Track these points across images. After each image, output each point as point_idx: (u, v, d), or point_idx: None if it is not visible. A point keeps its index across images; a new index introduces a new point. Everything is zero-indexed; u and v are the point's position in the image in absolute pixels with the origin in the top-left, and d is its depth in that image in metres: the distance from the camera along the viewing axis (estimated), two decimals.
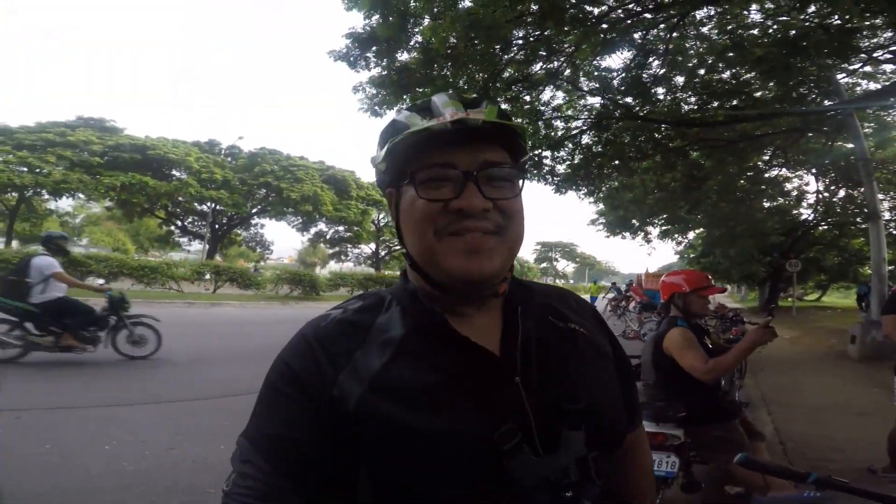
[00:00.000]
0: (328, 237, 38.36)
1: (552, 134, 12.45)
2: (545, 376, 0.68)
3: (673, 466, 2.36)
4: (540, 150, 13.03)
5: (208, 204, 30.37)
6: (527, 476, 0.61)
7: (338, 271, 34.13)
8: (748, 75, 9.59)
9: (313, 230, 36.93)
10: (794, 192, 21.59)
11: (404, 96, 9.63)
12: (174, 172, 29.43)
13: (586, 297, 22.95)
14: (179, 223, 33.31)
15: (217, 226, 32.70)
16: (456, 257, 0.66)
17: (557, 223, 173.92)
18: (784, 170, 18.37)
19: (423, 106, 0.72)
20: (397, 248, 40.25)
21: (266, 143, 52.46)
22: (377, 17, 8.03)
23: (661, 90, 10.47)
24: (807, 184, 21.44)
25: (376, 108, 9.95)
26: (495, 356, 0.67)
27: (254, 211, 33.35)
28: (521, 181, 0.71)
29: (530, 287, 0.80)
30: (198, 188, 28.26)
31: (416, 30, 8.30)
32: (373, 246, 39.48)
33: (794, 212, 22.18)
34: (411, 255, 0.72)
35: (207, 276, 22.26)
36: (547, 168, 13.79)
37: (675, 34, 8.81)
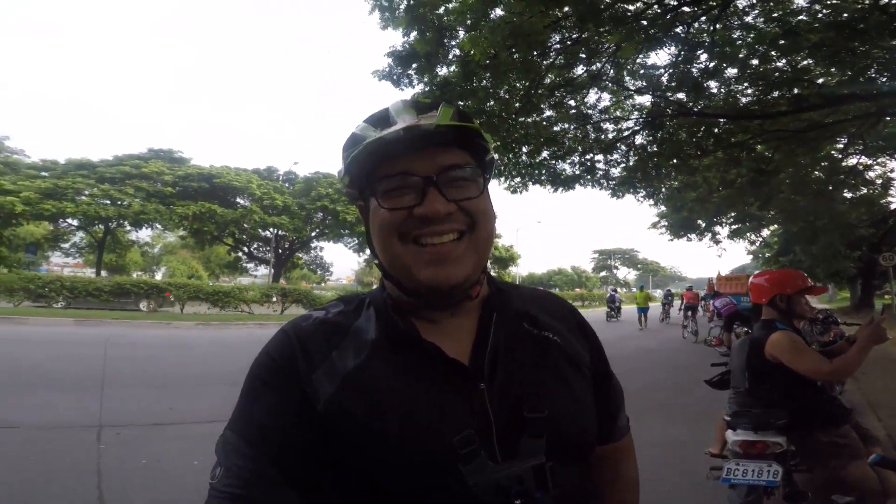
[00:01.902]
0: None
1: (602, 137, 12.11)
2: (511, 384, 0.69)
3: (775, 475, 2.25)
4: (592, 155, 12.73)
5: (271, 230, 31.83)
6: (482, 482, 0.62)
7: None
8: (806, 62, 8.86)
9: (367, 251, 37.78)
10: (879, 180, 19.69)
11: None
12: (238, 200, 31.16)
13: (632, 307, 21.18)
14: (246, 249, 35.12)
15: (280, 250, 34.21)
16: (422, 266, 0.67)
17: (615, 229, 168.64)
18: (863, 157, 16.80)
19: (381, 115, 0.71)
20: None
21: (320, 167, 54.56)
22: (414, 33, 8.12)
23: (713, 84, 9.85)
24: (892, 170, 19.50)
25: None
26: (461, 364, 0.68)
27: (313, 234, 34.60)
28: (483, 181, 0.71)
29: (509, 292, 0.80)
30: (261, 214, 29.73)
31: (454, 43, 8.28)
32: None
33: (882, 201, 20.20)
34: (384, 266, 0.72)
35: (275, 299, 23.31)
36: (601, 172, 13.48)
37: (718, 26, 8.31)
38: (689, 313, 15.62)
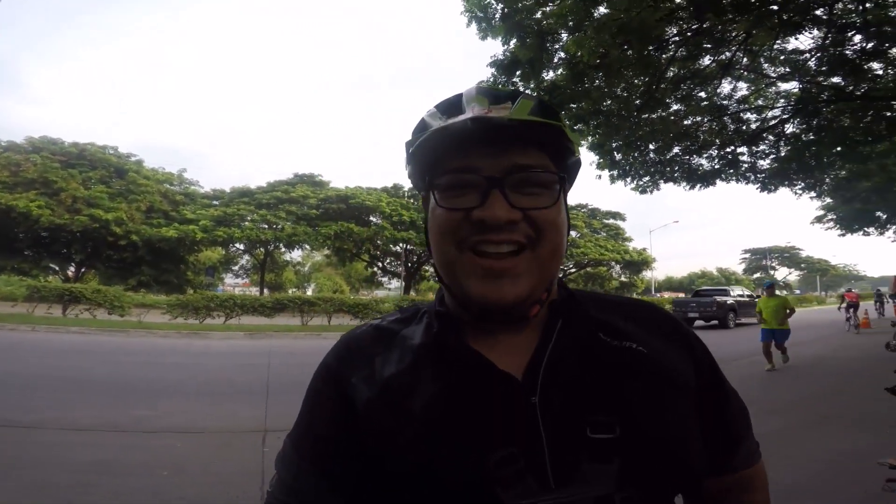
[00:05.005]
0: None
1: (744, 128, 10.97)
2: (573, 399, 0.59)
3: None
4: (733, 147, 11.66)
5: (401, 245, 33.84)
6: None
7: None
8: None
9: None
10: None
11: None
12: (371, 218, 33.56)
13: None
14: (380, 264, 37.74)
15: (409, 264, 36.13)
16: (474, 279, 0.60)
17: (769, 226, 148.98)
18: None
19: (452, 102, 0.65)
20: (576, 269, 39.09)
21: None
22: (514, 41, 8.04)
23: (876, 65, 8.45)
24: None
25: None
26: (507, 374, 0.60)
27: None
28: (560, 188, 0.62)
29: (585, 299, 0.70)
30: (392, 231, 31.74)
31: (557, 46, 8.09)
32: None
33: None
34: (437, 268, 0.67)
35: None
36: (746, 165, 12.28)
37: (868, 5, 7.05)
38: (851, 310, 17.60)
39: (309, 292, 44.42)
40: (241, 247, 34.88)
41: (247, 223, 30.95)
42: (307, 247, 34.76)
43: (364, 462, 0.60)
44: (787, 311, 9.01)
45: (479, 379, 0.60)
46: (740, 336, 15.64)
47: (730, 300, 20.15)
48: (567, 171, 0.65)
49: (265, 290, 37.36)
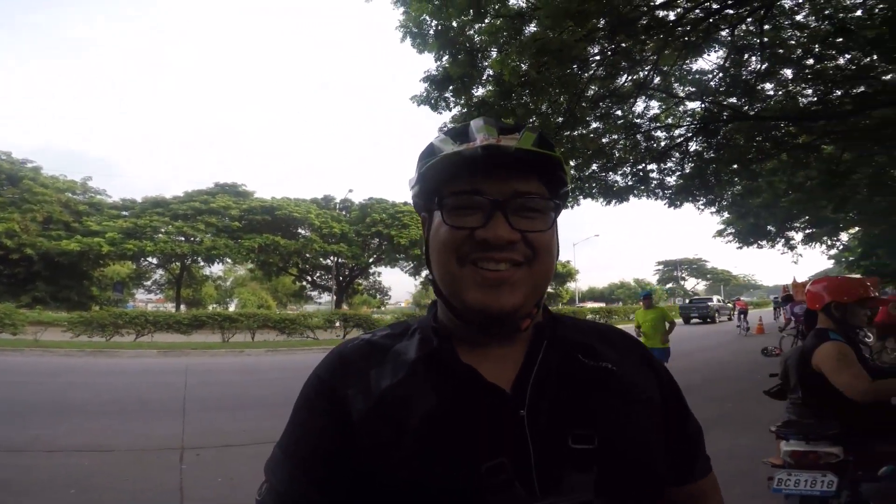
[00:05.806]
0: None
1: (654, 146, 11.86)
2: (557, 413, 0.64)
3: (830, 486, 2.23)
4: (644, 164, 12.49)
5: (332, 258, 33.07)
6: None
7: None
8: (868, 59, 8.42)
9: (424, 273, 38.44)
10: None
11: None
12: (299, 231, 32.58)
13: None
14: (310, 278, 36.62)
15: (340, 278, 35.38)
16: (475, 289, 0.65)
17: (679, 239, 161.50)
18: None
19: (461, 129, 0.70)
20: None
21: (373, 193, 55.91)
22: (447, 57, 8.29)
23: (769, 86, 9.56)
24: None
25: None
26: (499, 388, 0.64)
27: (370, 260, 35.58)
28: (554, 214, 0.69)
29: (565, 323, 0.77)
30: (321, 244, 30.97)
31: (486, 63, 8.43)
32: None
33: None
34: (436, 282, 0.71)
35: (337, 324, 24.10)
36: (655, 182, 13.18)
37: (766, 27, 8.06)
38: (741, 316, 21.76)
39: (232, 308, 42.12)
40: (154, 261, 32.57)
41: (160, 235, 28.96)
42: (228, 260, 33.05)
43: (355, 477, 0.62)
44: (668, 325, 7.50)
45: (472, 392, 0.64)
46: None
47: (714, 305, 31.85)
48: (560, 199, 0.72)
49: (182, 307, 34.99)
